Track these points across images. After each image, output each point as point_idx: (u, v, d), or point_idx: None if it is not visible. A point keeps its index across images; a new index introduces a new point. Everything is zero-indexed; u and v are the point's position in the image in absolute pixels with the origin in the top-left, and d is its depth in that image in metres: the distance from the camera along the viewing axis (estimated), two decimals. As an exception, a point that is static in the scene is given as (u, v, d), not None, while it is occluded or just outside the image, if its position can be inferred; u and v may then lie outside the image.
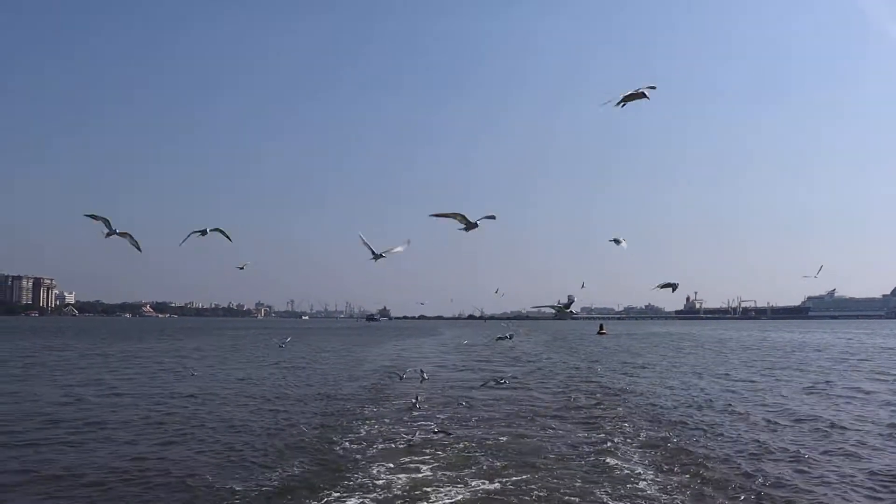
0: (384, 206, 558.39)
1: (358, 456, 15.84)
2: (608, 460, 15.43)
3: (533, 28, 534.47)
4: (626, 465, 15.00)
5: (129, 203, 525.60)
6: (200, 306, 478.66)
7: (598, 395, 27.55)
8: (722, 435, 18.47)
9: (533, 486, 13.22)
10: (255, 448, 16.73)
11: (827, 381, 32.27)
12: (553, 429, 19.64)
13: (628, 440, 17.79)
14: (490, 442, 17.45)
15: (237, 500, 12.42)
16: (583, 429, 19.66)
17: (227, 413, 22.30)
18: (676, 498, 12.46)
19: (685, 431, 18.98)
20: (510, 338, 44.33)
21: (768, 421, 20.73)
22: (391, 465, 14.88)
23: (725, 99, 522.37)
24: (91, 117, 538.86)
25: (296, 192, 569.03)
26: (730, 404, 24.32)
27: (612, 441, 17.63)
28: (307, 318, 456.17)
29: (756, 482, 13.48)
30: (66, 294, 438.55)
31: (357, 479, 13.79)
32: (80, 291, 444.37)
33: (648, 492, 12.88)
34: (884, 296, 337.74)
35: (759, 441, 17.49)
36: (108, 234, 15.61)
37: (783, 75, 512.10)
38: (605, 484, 13.44)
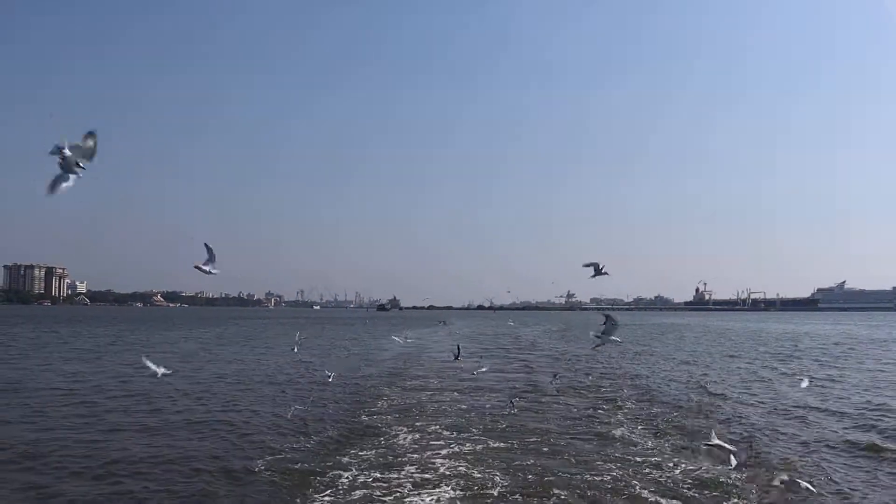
0: (403, 196, 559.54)
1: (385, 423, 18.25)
2: (605, 429, 17.87)
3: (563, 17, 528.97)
4: (622, 431, 17.42)
5: (153, 184, 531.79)
6: (210, 296, 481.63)
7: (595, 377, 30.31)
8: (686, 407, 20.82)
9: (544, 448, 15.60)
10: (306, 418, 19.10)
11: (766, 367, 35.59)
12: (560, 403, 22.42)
13: (620, 411, 20.53)
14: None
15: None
16: (584, 403, 22.35)
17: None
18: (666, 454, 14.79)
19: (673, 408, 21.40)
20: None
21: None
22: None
23: (736, 83, 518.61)
24: (106, 103, 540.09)
25: (312, 185, 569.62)
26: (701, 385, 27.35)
27: (604, 409, 20.74)
28: (318, 307, 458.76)
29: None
30: (77, 283, 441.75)
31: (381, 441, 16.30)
32: (91, 281, 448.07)
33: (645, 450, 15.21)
34: (894, 288, 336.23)
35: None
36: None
37: (804, 56, 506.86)
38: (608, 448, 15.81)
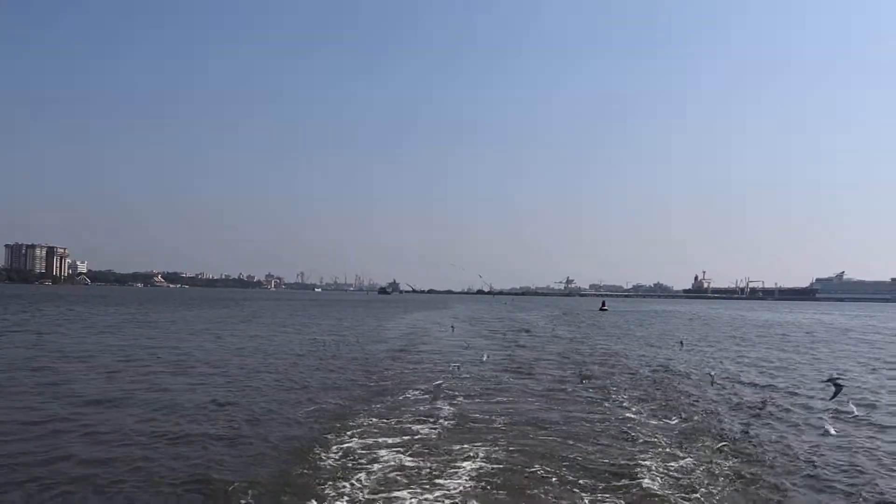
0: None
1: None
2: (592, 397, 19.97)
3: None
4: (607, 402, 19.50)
5: (148, 166, 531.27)
6: (211, 277, 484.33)
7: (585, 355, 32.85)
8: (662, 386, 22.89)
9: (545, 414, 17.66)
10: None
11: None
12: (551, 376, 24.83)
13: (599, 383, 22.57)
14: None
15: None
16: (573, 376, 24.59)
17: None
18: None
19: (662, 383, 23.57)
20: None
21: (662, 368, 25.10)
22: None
23: (729, 73, 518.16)
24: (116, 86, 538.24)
25: (306, 171, 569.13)
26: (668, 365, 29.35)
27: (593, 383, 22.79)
28: (319, 290, 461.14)
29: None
30: (78, 263, 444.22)
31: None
32: (91, 261, 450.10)
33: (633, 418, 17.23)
34: (892, 279, 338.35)
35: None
36: None
37: (788, 44, 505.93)
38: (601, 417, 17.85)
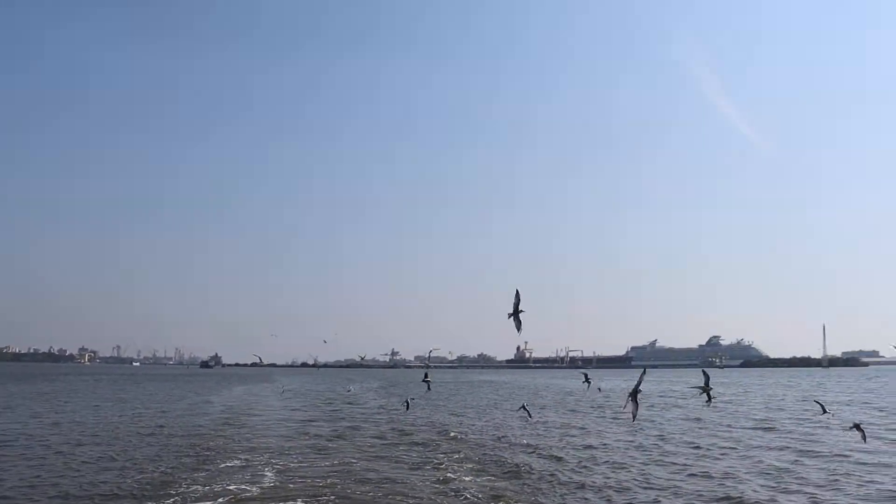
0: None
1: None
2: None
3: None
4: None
5: None
6: (18, 351, 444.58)
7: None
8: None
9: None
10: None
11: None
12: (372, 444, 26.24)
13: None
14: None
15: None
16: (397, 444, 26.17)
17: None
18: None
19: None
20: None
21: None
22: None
23: (550, 145, 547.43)
24: None
25: (125, 237, 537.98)
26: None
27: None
28: (138, 363, 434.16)
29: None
30: None
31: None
32: None
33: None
34: (700, 346, 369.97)
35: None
36: None
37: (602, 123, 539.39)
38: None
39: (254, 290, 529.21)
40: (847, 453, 24.22)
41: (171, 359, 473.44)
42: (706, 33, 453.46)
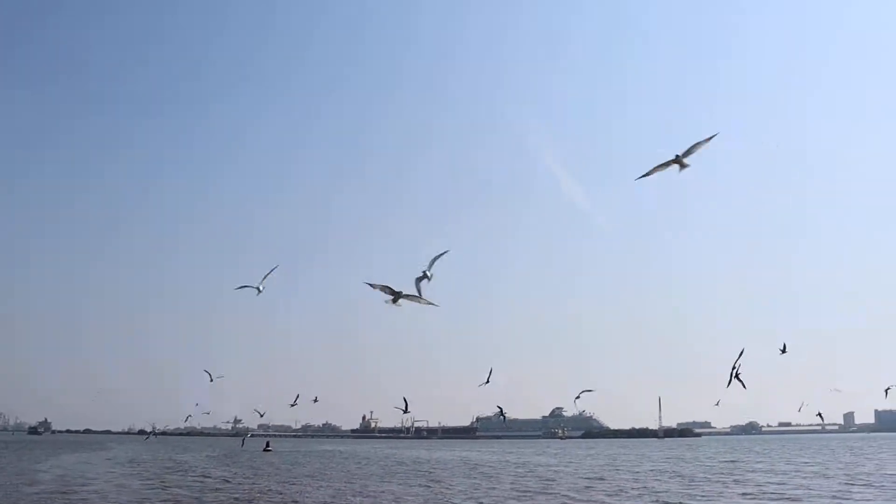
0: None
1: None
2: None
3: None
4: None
5: None
6: None
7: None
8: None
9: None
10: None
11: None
12: None
13: None
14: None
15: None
16: None
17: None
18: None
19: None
20: None
21: None
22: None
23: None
24: None
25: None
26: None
27: None
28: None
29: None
30: None
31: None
32: None
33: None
34: (543, 417, 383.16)
35: None
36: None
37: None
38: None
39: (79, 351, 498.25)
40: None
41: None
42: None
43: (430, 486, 44.34)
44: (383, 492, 40.18)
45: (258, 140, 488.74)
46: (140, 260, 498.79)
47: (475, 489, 42.04)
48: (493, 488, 42.53)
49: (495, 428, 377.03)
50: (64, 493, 36.88)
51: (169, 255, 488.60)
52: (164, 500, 35.04)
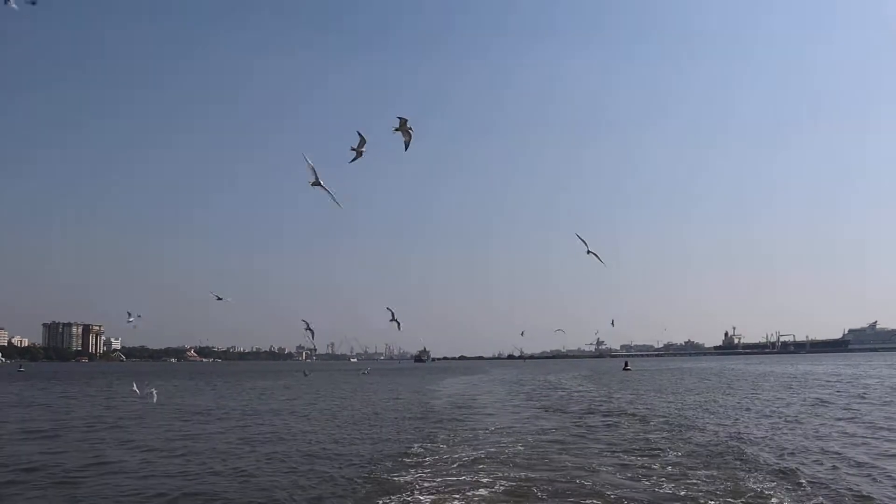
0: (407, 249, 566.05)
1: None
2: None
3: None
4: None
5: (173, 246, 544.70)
6: (242, 350, 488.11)
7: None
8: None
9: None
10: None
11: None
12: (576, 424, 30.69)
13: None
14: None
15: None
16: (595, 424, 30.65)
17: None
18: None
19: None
20: None
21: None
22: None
23: (748, 129, 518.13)
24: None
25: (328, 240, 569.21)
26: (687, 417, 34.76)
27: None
28: (354, 360, 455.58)
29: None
30: (112, 340, 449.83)
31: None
32: (125, 337, 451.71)
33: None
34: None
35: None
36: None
37: (808, 97, 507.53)
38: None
39: (458, 286, 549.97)
40: None
41: (381, 354, 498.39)
42: None
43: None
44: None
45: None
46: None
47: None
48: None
49: (869, 340, 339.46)
50: (460, 407, 41.37)
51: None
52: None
